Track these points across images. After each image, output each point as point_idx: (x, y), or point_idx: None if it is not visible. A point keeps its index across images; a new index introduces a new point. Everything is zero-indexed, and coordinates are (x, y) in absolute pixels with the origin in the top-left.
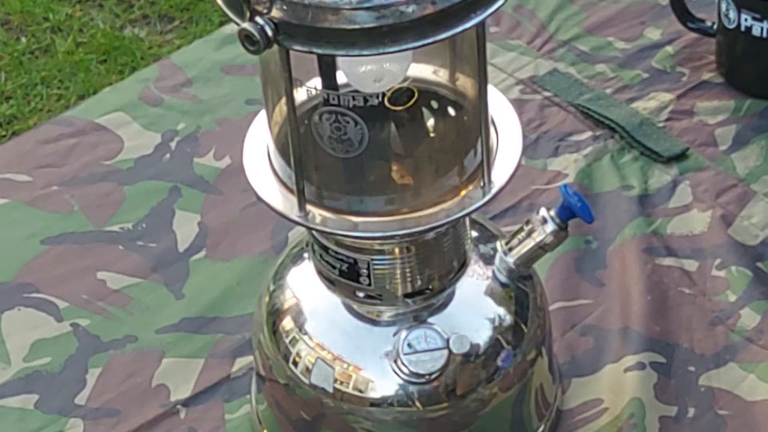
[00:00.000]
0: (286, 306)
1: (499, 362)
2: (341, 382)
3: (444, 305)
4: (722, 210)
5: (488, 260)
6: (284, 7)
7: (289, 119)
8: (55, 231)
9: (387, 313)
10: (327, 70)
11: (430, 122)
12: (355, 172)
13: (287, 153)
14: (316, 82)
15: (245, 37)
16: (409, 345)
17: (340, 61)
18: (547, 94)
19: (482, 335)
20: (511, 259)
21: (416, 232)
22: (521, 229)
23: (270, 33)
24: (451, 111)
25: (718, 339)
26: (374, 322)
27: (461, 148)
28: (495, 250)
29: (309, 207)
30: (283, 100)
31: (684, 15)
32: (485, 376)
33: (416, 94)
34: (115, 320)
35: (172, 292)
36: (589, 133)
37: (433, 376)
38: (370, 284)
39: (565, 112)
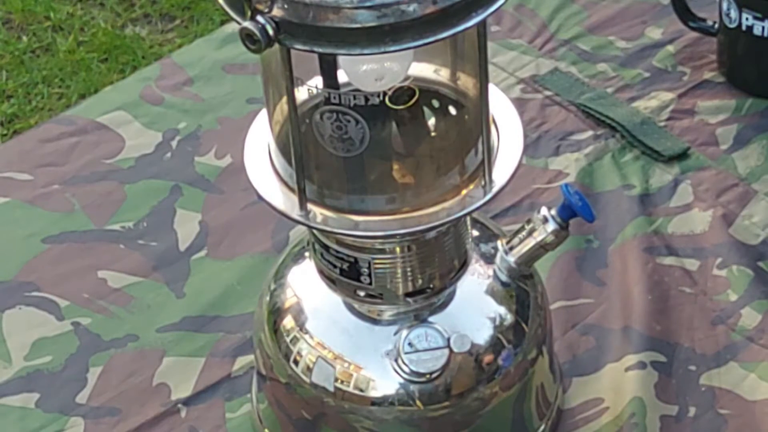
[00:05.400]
0: (287, 305)
1: (499, 361)
2: (342, 381)
3: (445, 304)
4: (723, 209)
5: (489, 259)
6: (285, 6)
7: (290, 118)
8: (56, 230)
9: (388, 312)
10: (328, 69)
11: (431, 121)
12: (356, 171)
13: (288, 152)
14: (317, 81)
15: (246, 36)
16: (409, 344)
17: (341, 60)
18: (548, 93)
19: (483, 334)
20: (512, 258)
21: (417, 231)
22: (522, 228)
23: (271, 32)
24: (452, 110)
25: (719, 338)
26: (375, 321)
27: (462, 147)
28: (496, 249)
29: (310, 206)
30: (284, 99)
31: (685, 14)
32: (486, 376)
33: (417, 93)
34: (116, 319)
35: (173, 291)
36: (590, 133)
37: (434, 375)
38: (371, 283)
39: (566, 112)
